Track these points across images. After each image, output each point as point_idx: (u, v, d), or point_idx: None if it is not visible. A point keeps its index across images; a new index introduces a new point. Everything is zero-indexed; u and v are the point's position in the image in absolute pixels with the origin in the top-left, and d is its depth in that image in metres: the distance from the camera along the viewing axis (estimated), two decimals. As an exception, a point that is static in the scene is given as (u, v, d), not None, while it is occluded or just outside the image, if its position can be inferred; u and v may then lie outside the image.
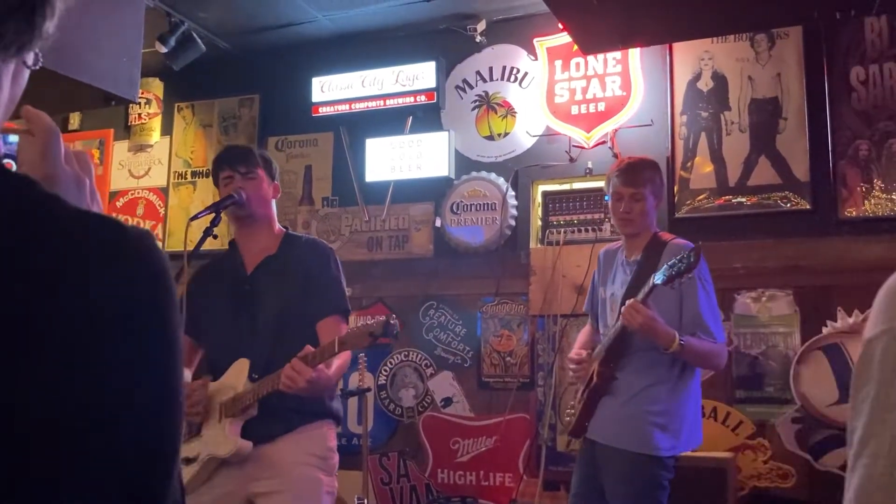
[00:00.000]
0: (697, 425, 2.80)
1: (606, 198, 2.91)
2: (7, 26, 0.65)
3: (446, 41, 4.68)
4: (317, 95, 4.82)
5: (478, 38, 4.59)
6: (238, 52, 5.11)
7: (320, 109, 4.82)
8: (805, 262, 3.80)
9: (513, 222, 4.45)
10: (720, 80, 4.12)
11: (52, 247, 0.59)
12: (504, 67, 4.63)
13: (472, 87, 4.68)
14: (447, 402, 4.48)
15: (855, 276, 3.68)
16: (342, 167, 4.88)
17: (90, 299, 0.59)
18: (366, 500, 3.74)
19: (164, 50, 4.54)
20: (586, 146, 4.28)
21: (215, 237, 2.59)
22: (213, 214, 2.56)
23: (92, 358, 0.58)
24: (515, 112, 4.56)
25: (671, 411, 2.69)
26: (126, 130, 5.48)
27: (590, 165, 4.25)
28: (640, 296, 2.59)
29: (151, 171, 5.42)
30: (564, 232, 4.28)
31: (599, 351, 2.82)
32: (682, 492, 2.81)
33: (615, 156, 4.08)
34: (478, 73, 4.67)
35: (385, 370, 4.64)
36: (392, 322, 2.28)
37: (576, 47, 4.02)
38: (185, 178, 5.32)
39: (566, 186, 4.41)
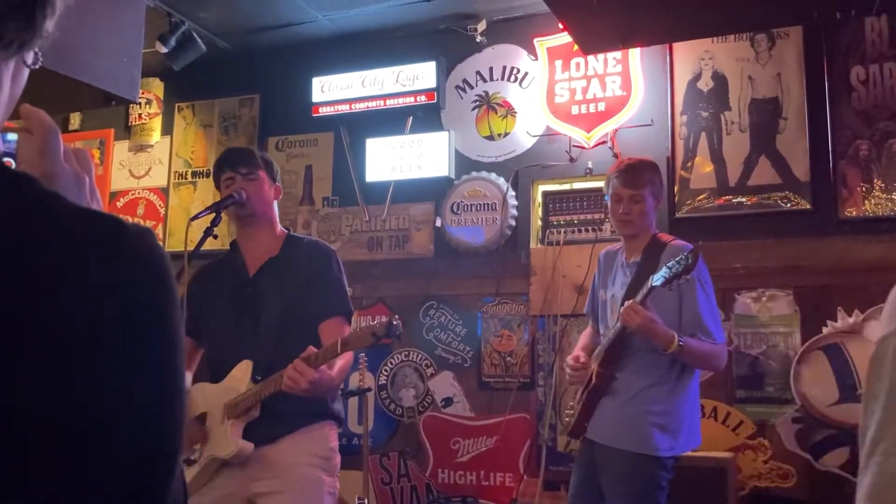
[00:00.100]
0: (696, 426, 2.79)
1: (606, 198, 2.91)
2: (7, 24, 0.65)
3: (446, 41, 4.68)
4: (317, 95, 4.82)
5: (478, 38, 4.59)
6: (238, 52, 5.12)
7: (320, 109, 4.82)
8: (805, 261, 3.80)
9: (513, 222, 4.45)
10: (720, 80, 4.12)
11: (52, 245, 0.59)
12: (504, 67, 4.63)
13: (472, 87, 4.68)
14: (447, 402, 4.48)
15: (855, 275, 3.68)
16: (342, 167, 4.88)
17: (90, 298, 0.59)
18: (366, 500, 3.74)
19: (164, 50, 4.54)
20: (586, 146, 4.28)
21: (216, 237, 2.59)
22: (214, 214, 2.55)
23: (92, 357, 0.58)
24: (516, 112, 4.56)
25: (670, 412, 2.69)
26: (126, 130, 5.48)
27: (590, 165, 4.25)
28: (639, 297, 2.59)
29: (152, 171, 5.42)
30: (565, 232, 4.28)
31: (599, 352, 2.82)
32: (683, 492, 2.81)
33: (615, 156, 4.08)
34: (478, 73, 4.67)
35: (385, 370, 4.64)
36: (395, 322, 2.28)
37: (576, 47, 4.02)
38: (186, 178, 5.32)
39: (566, 186, 4.41)
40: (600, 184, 3.08)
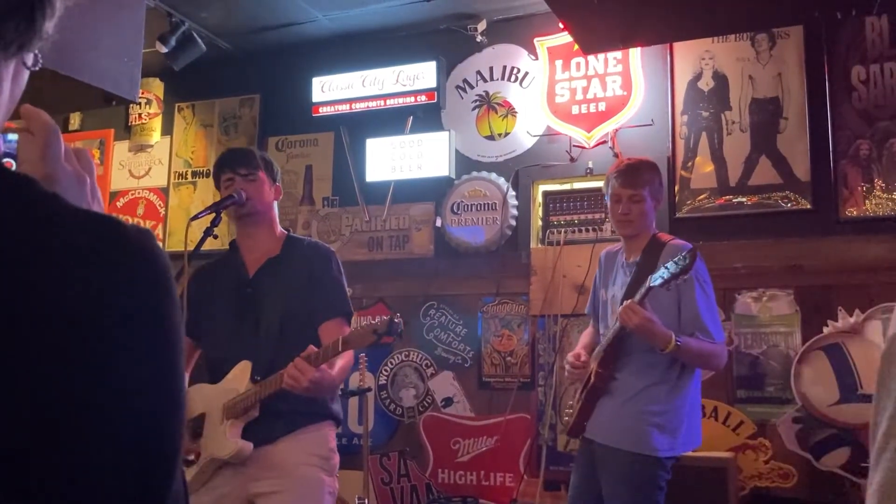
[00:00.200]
0: (697, 426, 2.79)
1: (606, 198, 2.91)
2: (7, 25, 0.65)
3: (447, 41, 4.68)
4: (317, 95, 4.82)
5: (478, 38, 4.59)
6: (238, 52, 5.11)
7: (321, 109, 4.82)
8: (806, 261, 3.80)
9: (513, 222, 4.45)
10: (721, 80, 4.12)
11: (51, 247, 0.59)
12: (504, 67, 4.63)
13: (472, 87, 4.68)
14: (448, 402, 4.47)
15: (856, 275, 3.68)
16: (342, 167, 4.88)
17: (90, 299, 0.59)
18: (366, 500, 3.74)
19: (164, 50, 4.54)
20: (587, 146, 4.28)
21: (216, 237, 2.59)
22: (214, 214, 2.56)
23: (92, 358, 0.58)
24: (516, 112, 4.56)
25: (670, 412, 2.69)
26: (126, 130, 5.48)
27: (590, 165, 4.25)
28: (637, 297, 2.59)
29: (152, 171, 5.42)
30: (565, 232, 4.28)
31: (598, 351, 2.82)
32: (683, 492, 2.81)
33: (616, 156, 4.08)
34: (478, 72, 4.67)
35: (386, 370, 4.64)
36: (396, 321, 2.29)
37: (576, 47, 4.02)
38: (186, 178, 5.32)
39: (567, 186, 4.41)
40: (601, 184, 3.08)
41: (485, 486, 4.29)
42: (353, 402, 4.39)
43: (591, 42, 3.69)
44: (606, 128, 4.24)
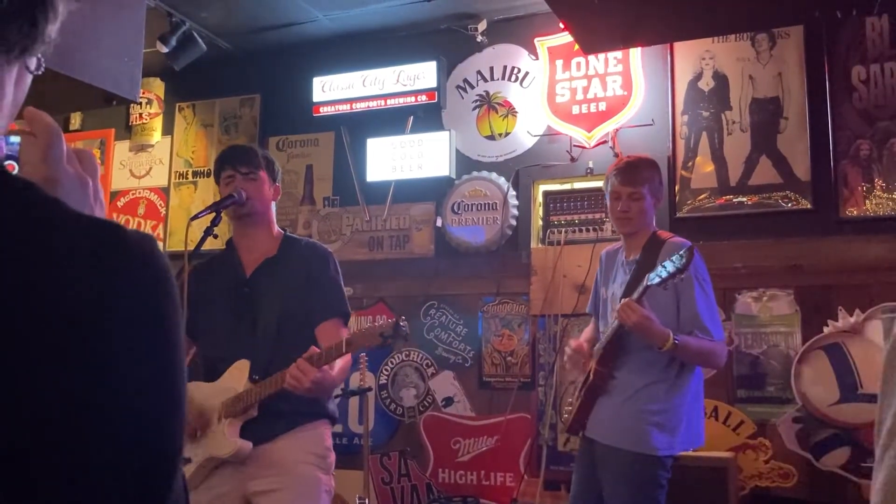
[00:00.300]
0: (698, 424, 2.79)
1: (607, 197, 2.91)
2: (10, 28, 0.65)
3: (447, 41, 4.68)
4: (318, 95, 4.82)
5: (479, 38, 4.59)
6: (239, 52, 5.12)
7: (321, 109, 4.82)
8: (806, 261, 3.80)
9: (514, 222, 4.45)
10: (721, 80, 4.12)
11: (52, 247, 0.59)
12: (505, 67, 4.63)
13: (472, 87, 4.68)
14: (448, 401, 4.48)
15: (856, 275, 3.68)
16: (343, 167, 4.88)
17: (90, 299, 0.59)
18: (367, 500, 3.73)
19: (165, 50, 4.54)
20: (587, 146, 4.28)
21: (216, 237, 2.59)
22: (214, 214, 2.56)
23: (92, 358, 0.58)
24: (516, 112, 4.56)
25: (669, 410, 2.69)
26: (127, 130, 5.49)
27: (591, 165, 4.25)
28: (635, 295, 2.59)
29: (152, 171, 5.42)
30: (565, 232, 4.28)
31: (597, 349, 2.82)
32: (683, 491, 2.81)
33: (616, 155, 4.08)
34: (479, 72, 4.67)
35: (386, 370, 4.64)
36: (402, 324, 2.29)
37: (577, 47, 4.02)
38: (186, 178, 5.32)
39: (567, 186, 4.41)
40: (601, 184, 3.08)
41: (485, 485, 4.30)
42: (354, 401, 4.39)
43: (591, 42, 3.69)
44: (607, 128, 4.24)
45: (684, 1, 3.23)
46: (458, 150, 4.62)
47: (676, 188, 4.11)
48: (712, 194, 4.05)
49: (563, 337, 4.17)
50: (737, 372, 3.86)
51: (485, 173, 4.53)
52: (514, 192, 4.46)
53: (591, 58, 4.30)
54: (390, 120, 4.67)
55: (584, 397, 2.80)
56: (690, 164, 4.12)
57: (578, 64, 4.37)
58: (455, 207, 4.55)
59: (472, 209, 4.52)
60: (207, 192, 5.11)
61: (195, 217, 2.56)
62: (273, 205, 2.71)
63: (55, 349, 0.57)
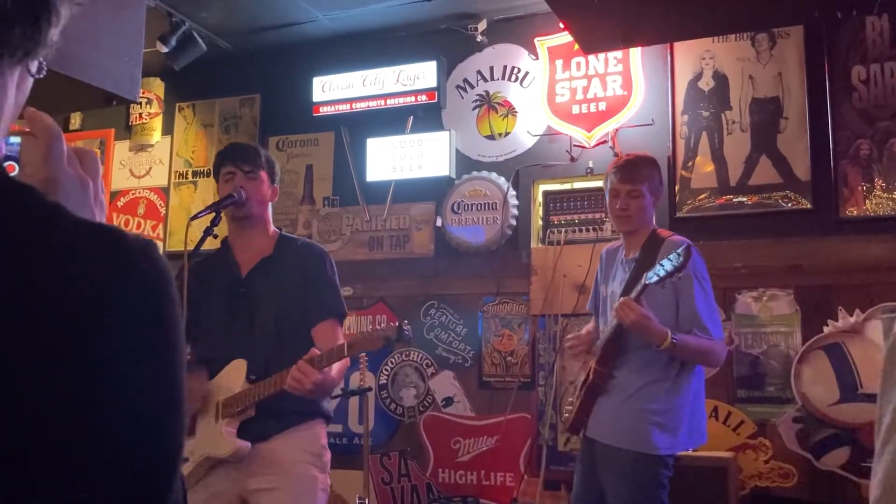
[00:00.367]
0: (700, 423, 2.79)
1: (606, 194, 2.91)
2: (13, 32, 0.65)
3: (447, 41, 4.68)
4: (318, 95, 4.82)
5: (478, 38, 4.59)
6: (239, 52, 5.12)
7: (321, 109, 4.82)
8: (806, 261, 3.80)
9: (514, 222, 4.45)
10: (721, 80, 4.12)
11: (52, 246, 0.59)
12: (505, 67, 4.63)
13: (472, 87, 4.68)
14: (448, 401, 4.48)
15: (856, 275, 3.68)
16: (343, 167, 4.88)
17: (90, 298, 0.59)
18: (366, 500, 3.73)
19: (165, 50, 4.54)
20: (587, 146, 4.28)
21: (216, 237, 2.59)
22: (214, 214, 2.56)
23: (92, 357, 0.58)
24: (516, 111, 4.56)
25: (669, 409, 2.69)
26: (127, 130, 5.49)
27: (591, 165, 4.26)
28: (633, 294, 2.59)
29: (152, 171, 5.42)
30: (565, 231, 4.28)
31: (597, 348, 2.82)
32: (683, 491, 2.81)
33: (616, 155, 4.08)
34: (479, 72, 4.67)
35: (386, 370, 4.64)
36: (405, 328, 2.29)
37: (577, 47, 4.01)
38: (186, 178, 5.32)
39: (567, 186, 4.41)
40: (601, 183, 3.09)
41: (485, 485, 4.30)
42: (354, 401, 4.39)
43: (591, 42, 3.69)
44: (607, 127, 4.24)
45: (684, 1, 3.23)
46: (458, 150, 4.62)
47: (676, 188, 4.11)
48: (712, 194, 4.06)
49: (563, 337, 4.17)
50: (737, 372, 3.86)
51: (485, 173, 4.53)
52: (514, 192, 4.46)
53: (591, 58, 4.30)
54: (390, 120, 4.67)
55: (584, 397, 2.80)
56: (690, 163, 4.12)
57: (578, 64, 4.37)
58: (455, 207, 4.55)
59: (472, 209, 4.52)
60: (207, 191, 5.11)
61: (195, 217, 2.56)
62: (270, 206, 2.71)
63: (55, 348, 0.57)
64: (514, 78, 4.60)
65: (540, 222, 4.44)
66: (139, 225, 5.38)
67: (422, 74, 4.59)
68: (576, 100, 4.33)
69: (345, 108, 4.76)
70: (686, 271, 2.53)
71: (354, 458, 3.93)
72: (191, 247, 2.53)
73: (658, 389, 2.70)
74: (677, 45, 4.19)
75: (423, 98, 4.58)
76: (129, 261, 0.63)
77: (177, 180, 5.34)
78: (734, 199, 4.01)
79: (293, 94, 4.97)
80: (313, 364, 2.30)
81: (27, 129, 0.73)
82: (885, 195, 3.75)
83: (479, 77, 4.67)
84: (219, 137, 5.23)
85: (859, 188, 3.79)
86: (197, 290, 2.60)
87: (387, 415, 4.60)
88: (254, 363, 2.48)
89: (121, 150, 5.51)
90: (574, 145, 4.31)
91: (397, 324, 2.31)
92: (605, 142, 4.25)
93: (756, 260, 3.88)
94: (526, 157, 4.49)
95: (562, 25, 3.84)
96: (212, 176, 2.80)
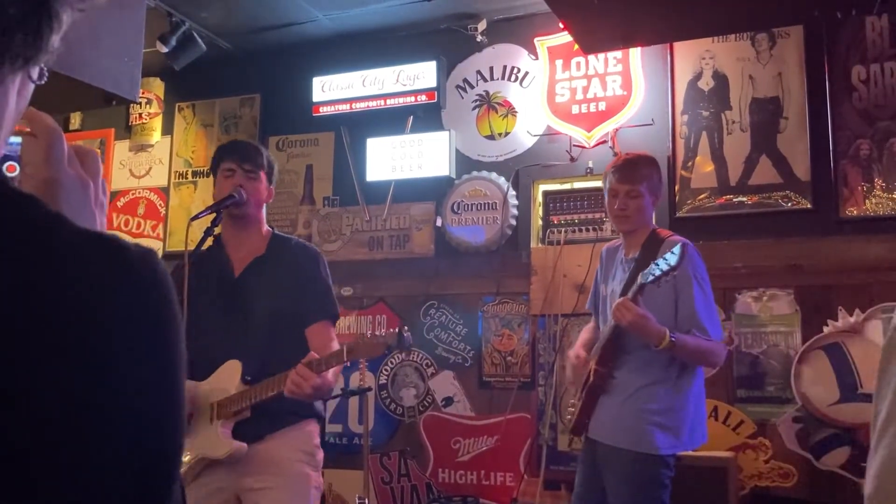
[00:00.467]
0: (700, 424, 2.79)
1: (605, 194, 2.91)
2: (14, 38, 0.65)
3: (447, 41, 4.68)
4: (317, 95, 4.82)
5: (478, 38, 4.59)
6: (239, 52, 5.12)
7: (321, 109, 4.82)
8: (806, 261, 3.80)
9: (514, 222, 4.45)
10: (721, 80, 4.12)
11: (52, 247, 0.60)
12: (505, 67, 4.63)
13: (472, 87, 4.68)
14: (448, 401, 4.48)
15: (856, 275, 3.68)
16: (343, 167, 4.88)
17: (90, 299, 0.59)
18: (366, 500, 3.74)
19: (164, 50, 4.54)
20: (587, 146, 4.28)
21: (216, 237, 2.59)
22: (214, 214, 2.56)
23: (92, 357, 0.59)
24: (516, 111, 4.56)
25: (670, 410, 2.69)
26: (127, 130, 5.49)
27: (590, 165, 4.26)
28: (630, 294, 2.59)
29: (152, 171, 5.42)
30: (565, 231, 4.28)
31: (596, 349, 2.82)
32: (683, 491, 2.81)
33: (616, 155, 4.08)
34: (478, 72, 4.67)
35: (386, 370, 4.64)
36: (406, 334, 2.30)
37: (576, 47, 4.02)
38: (186, 178, 5.32)
39: (567, 186, 4.41)
40: (601, 183, 3.08)
41: (485, 485, 4.30)
42: (354, 401, 4.40)
43: (591, 42, 3.69)
44: (606, 127, 4.24)
45: (684, 1, 3.23)
46: (457, 150, 4.62)
47: (676, 188, 4.11)
48: (712, 194, 4.06)
49: (563, 337, 4.17)
50: (737, 372, 3.86)
51: (485, 173, 4.53)
52: (514, 192, 4.46)
53: (591, 58, 4.30)
54: (390, 120, 4.67)
55: (586, 398, 2.80)
56: (690, 163, 4.12)
57: (578, 64, 4.37)
58: (455, 207, 4.56)
59: (472, 209, 4.52)
60: (207, 191, 5.10)
61: (195, 217, 2.56)
62: (264, 206, 2.72)
63: (55, 349, 0.57)
64: (513, 78, 4.60)
65: (540, 222, 4.44)
66: (139, 225, 5.38)
67: (422, 74, 4.59)
68: (576, 100, 4.33)
69: (345, 108, 4.76)
70: (684, 271, 2.53)
71: (354, 457, 3.93)
72: (191, 247, 2.53)
73: (658, 390, 2.69)
74: (677, 45, 4.19)
75: (422, 98, 4.59)
76: (129, 266, 0.63)
77: (177, 180, 5.34)
78: (734, 199, 4.01)
79: (293, 94, 4.97)
80: (312, 368, 2.30)
81: (28, 130, 0.73)
82: (885, 195, 3.75)
83: (479, 77, 4.67)
84: (219, 137, 5.22)
85: (859, 188, 3.79)
86: (191, 289, 2.60)
87: (387, 415, 4.60)
88: (248, 364, 2.48)
89: (121, 150, 5.51)
90: (574, 145, 4.31)
91: (397, 330, 2.31)
92: (604, 142, 4.25)
93: (756, 260, 3.88)
94: (526, 157, 4.50)
95: (562, 25, 3.84)
96: (210, 170, 2.79)
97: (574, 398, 2.93)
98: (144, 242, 0.68)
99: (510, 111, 4.58)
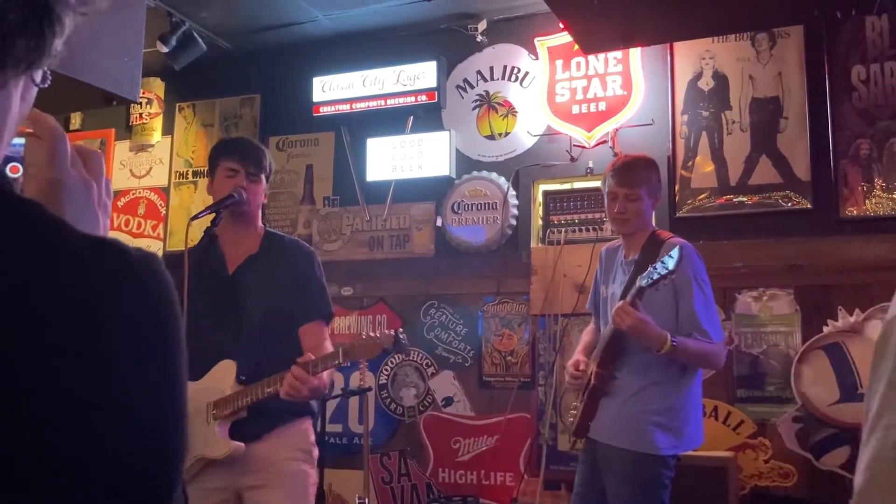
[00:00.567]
0: (698, 425, 2.80)
1: (605, 196, 2.91)
2: (17, 42, 0.65)
3: (447, 41, 4.68)
4: (318, 95, 4.82)
5: (478, 38, 4.59)
6: (239, 52, 5.12)
7: (321, 109, 4.82)
8: (806, 261, 3.80)
9: (514, 222, 4.45)
10: (721, 80, 4.12)
11: (53, 248, 0.60)
12: (505, 67, 4.63)
13: (472, 87, 4.68)
14: (448, 401, 4.48)
15: (856, 275, 3.68)
16: (343, 167, 4.88)
17: (92, 300, 0.59)
18: (366, 500, 3.74)
19: (165, 50, 4.54)
20: (587, 146, 4.28)
21: (216, 237, 2.58)
22: (214, 214, 2.56)
23: (93, 358, 0.59)
24: (516, 111, 4.56)
25: (670, 410, 2.69)
26: (127, 130, 5.49)
27: (591, 165, 4.26)
28: (629, 298, 2.58)
29: (152, 171, 5.42)
30: (565, 231, 4.29)
31: (596, 352, 2.82)
32: (683, 491, 2.81)
33: (615, 155, 4.08)
34: (478, 72, 4.68)
35: (386, 370, 4.64)
36: (402, 337, 2.30)
37: (577, 47, 4.02)
38: (187, 178, 5.32)
39: (567, 186, 4.42)
40: (600, 183, 3.08)
41: (485, 485, 4.30)
42: (354, 401, 4.40)
43: (591, 42, 3.69)
44: (607, 127, 4.24)
45: (684, 1, 3.23)
46: (458, 150, 4.62)
47: (676, 188, 4.11)
48: (712, 194, 4.06)
49: (563, 337, 4.18)
50: (737, 372, 3.86)
51: (485, 173, 4.53)
52: (514, 192, 4.46)
53: (591, 58, 4.30)
54: (390, 120, 4.67)
55: (588, 401, 2.80)
56: (690, 163, 4.12)
57: (578, 64, 4.37)
58: (455, 207, 4.56)
59: (472, 209, 4.52)
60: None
61: (195, 217, 2.56)
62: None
63: (56, 350, 0.57)
64: (514, 78, 4.60)
65: (540, 222, 4.44)
66: (139, 225, 5.38)
67: (422, 74, 4.59)
68: (576, 100, 4.33)
69: (345, 108, 4.77)
70: (683, 273, 2.53)
71: (354, 457, 3.94)
72: (191, 246, 2.53)
73: (659, 391, 2.69)
74: (677, 45, 4.19)
75: (423, 98, 4.59)
76: (130, 269, 0.63)
77: (177, 180, 5.34)
78: (734, 199, 4.01)
79: (293, 94, 4.97)
80: (308, 370, 2.30)
81: (31, 131, 0.73)
82: (885, 195, 3.75)
83: (479, 77, 4.67)
84: (219, 137, 5.22)
85: (859, 188, 3.79)
86: (189, 288, 2.60)
87: (387, 414, 4.60)
88: (242, 363, 2.48)
89: (121, 150, 5.51)
90: (574, 145, 4.31)
91: (394, 332, 2.31)
92: (604, 142, 4.25)
93: (756, 260, 3.88)
94: (526, 156, 4.50)
95: (561, 25, 3.84)
96: (207, 165, 2.77)
97: (576, 400, 2.93)
98: (145, 242, 0.68)
99: (510, 111, 4.58)
